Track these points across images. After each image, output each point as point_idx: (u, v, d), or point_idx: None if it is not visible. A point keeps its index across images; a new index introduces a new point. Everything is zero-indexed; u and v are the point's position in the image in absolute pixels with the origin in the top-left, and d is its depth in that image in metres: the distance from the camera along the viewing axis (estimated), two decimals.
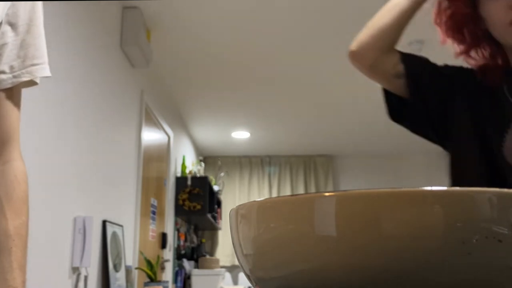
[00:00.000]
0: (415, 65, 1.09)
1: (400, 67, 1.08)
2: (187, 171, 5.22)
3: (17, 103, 0.94)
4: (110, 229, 2.92)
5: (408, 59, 1.09)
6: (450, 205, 0.30)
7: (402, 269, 0.30)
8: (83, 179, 2.58)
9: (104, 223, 2.86)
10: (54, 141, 2.28)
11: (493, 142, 0.98)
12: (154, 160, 4.16)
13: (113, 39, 3.12)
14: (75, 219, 2.47)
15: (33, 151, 2.06)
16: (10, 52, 0.91)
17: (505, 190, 0.30)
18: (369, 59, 1.08)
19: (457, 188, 0.30)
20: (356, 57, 1.09)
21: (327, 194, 0.31)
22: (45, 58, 0.96)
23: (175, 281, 4.87)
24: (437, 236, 0.29)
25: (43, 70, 0.95)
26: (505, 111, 0.98)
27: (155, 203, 4.18)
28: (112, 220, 2.98)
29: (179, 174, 5.14)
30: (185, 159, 5.37)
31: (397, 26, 1.06)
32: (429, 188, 0.30)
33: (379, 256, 0.30)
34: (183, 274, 5.06)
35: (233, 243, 0.38)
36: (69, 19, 2.45)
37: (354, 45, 1.09)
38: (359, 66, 1.09)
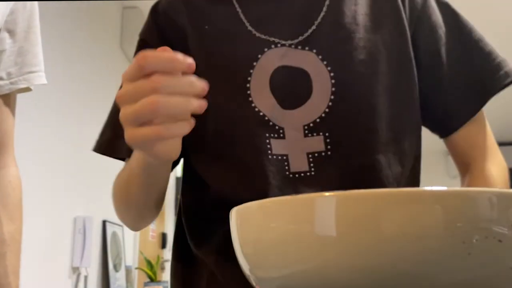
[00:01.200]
0: None
1: None
2: None
3: (12, 109, 0.94)
4: (110, 229, 2.92)
5: None
6: (450, 205, 0.30)
7: (402, 269, 0.30)
8: (83, 179, 2.57)
9: (104, 223, 2.86)
10: (54, 141, 2.28)
11: (236, 89, 0.71)
12: None
13: (113, 39, 3.12)
14: (75, 219, 2.47)
15: (33, 151, 2.06)
16: (7, 58, 0.91)
17: (505, 190, 0.30)
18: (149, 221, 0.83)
19: (457, 188, 0.30)
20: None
21: (327, 194, 0.31)
22: (42, 66, 0.96)
23: None
24: (437, 236, 0.29)
25: (39, 77, 0.95)
26: (249, 47, 0.72)
27: None
28: (112, 220, 2.98)
29: (179, 174, 5.13)
30: None
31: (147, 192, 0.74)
32: (429, 188, 0.30)
33: (379, 256, 0.30)
34: None
35: (233, 243, 0.38)
36: (69, 19, 2.45)
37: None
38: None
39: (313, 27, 0.72)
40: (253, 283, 0.37)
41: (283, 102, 0.70)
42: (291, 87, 0.70)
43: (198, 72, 0.60)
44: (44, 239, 2.14)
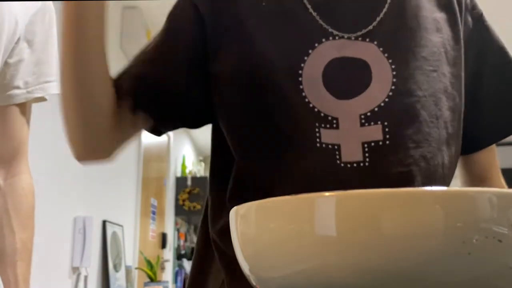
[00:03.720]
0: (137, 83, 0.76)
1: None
2: (187, 171, 5.22)
3: (27, 118, 0.95)
4: (110, 229, 2.92)
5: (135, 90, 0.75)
6: (450, 205, 0.30)
7: (402, 269, 0.30)
8: (83, 179, 2.58)
9: (104, 223, 2.86)
10: (53, 141, 2.28)
11: (287, 75, 0.67)
12: (154, 160, 4.16)
13: (113, 39, 3.12)
14: (75, 219, 2.47)
15: (33, 152, 2.06)
16: (25, 68, 0.91)
17: (505, 190, 0.30)
18: (105, 153, 0.76)
19: (457, 188, 0.30)
20: (90, 161, 0.78)
21: (327, 194, 0.31)
22: (58, 75, 0.97)
23: (175, 281, 4.87)
24: (437, 236, 0.29)
25: (56, 87, 0.96)
26: (307, 33, 0.70)
27: (155, 203, 4.18)
28: (112, 220, 2.98)
29: (179, 174, 5.13)
30: (185, 159, 5.37)
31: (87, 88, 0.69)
32: (429, 188, 0.30)
33: (379, 256, 0.30)
34: (183, 274, 5.06)
35: (233, 243, 0.38)
36: None
37: (73, 152, 0.77)
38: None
39: (375, 22, 0.71)
40: (253, 283, 0.37)
41: (338, 93, 0.68)
42: (348, 77, 0.68)
43: (250, 43, 0.67)
44: (44, 239, 2.14)
